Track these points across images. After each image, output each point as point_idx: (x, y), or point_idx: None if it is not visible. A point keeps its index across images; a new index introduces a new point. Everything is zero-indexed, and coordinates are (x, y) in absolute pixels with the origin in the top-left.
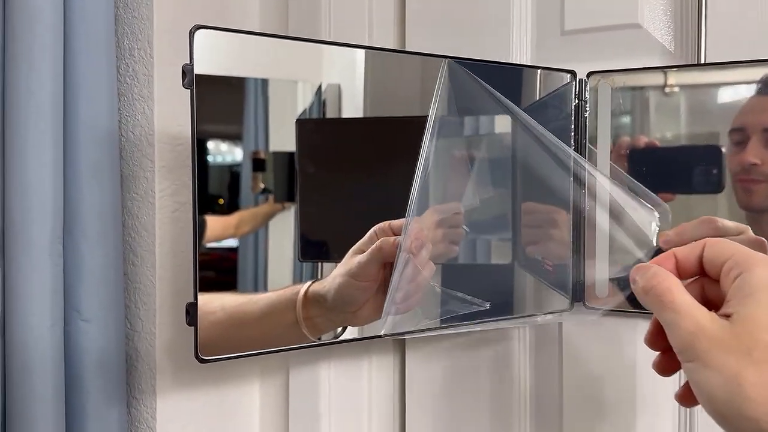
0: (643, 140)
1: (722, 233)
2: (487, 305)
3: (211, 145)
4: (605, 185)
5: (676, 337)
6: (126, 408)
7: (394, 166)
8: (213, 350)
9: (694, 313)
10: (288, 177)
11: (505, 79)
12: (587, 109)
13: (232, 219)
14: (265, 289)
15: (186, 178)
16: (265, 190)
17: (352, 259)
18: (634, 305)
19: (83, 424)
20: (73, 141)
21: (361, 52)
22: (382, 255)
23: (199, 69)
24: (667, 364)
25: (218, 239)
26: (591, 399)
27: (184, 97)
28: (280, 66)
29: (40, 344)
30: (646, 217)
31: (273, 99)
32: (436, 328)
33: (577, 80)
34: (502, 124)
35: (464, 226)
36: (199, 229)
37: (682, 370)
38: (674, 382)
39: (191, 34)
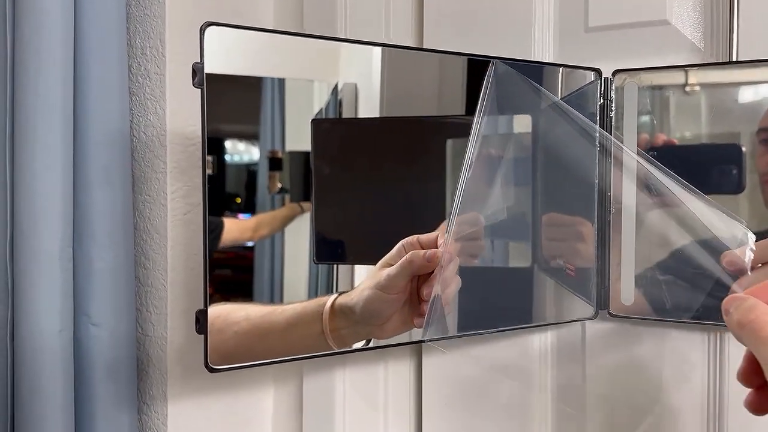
0: (661, 138)
1: None
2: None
3: (228, 144)
4: (679, 193)
5: None
6: (137, 414)
7: (412, 167)
8: (226, 359)
9: None
10: (304, 177)
11: (526, 77)
12: (612, 108)
13: (249, 222)
14: (281, 292)
15: (199, 179)
16: (282, 190)
17: (380, 272)
18: (661, 313)
19: (93, 430)
20: (83, 143)
21: (378, 51)
22: (412, 268)
23: (213, 68)
24: (764, 402)
25: (235, 242)
26: (615, 406)
27: (196, 96)
28: (296, 65)
29: (49, 349)
30: (730, 230)
31: (289, 98)
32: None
33: (602, 79)
34: (524, 123)
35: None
36: (216, 231)
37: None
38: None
39: (202, 31)
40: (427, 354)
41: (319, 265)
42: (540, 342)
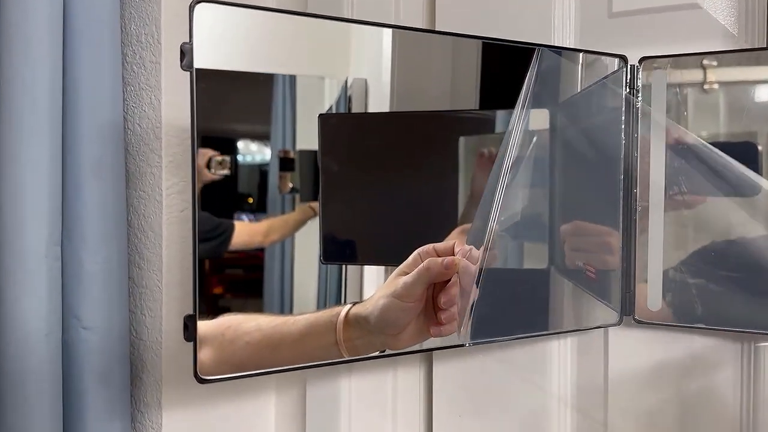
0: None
1: None
2: None
3: (239, 144)
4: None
5: None
6: (130, 422)
7: (423, 164)
8: (237, 369)
9: None
10: (315, 176)
11: (543, 65)
12: (639, 99)
13: (261, 226)
14: (291, 293)
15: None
16: (293, 190)
17: (396, 280)
18: (691, 320)
19: None
20: (73, 135)
21: (388, 45)
22: (429, 275)
23: (220, 64)
24: None
25: (245, 246)
26: (639, 419)
27: None
28: (306, 62)
29: (35, 353)
30: None
31: (300, 96)
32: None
33: (628, 67)
34: (541, 119)
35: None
36: (225, 234)
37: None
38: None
39: (191, 9)
40: (438, 361)
41: (329, 266)
42: (559, 348)
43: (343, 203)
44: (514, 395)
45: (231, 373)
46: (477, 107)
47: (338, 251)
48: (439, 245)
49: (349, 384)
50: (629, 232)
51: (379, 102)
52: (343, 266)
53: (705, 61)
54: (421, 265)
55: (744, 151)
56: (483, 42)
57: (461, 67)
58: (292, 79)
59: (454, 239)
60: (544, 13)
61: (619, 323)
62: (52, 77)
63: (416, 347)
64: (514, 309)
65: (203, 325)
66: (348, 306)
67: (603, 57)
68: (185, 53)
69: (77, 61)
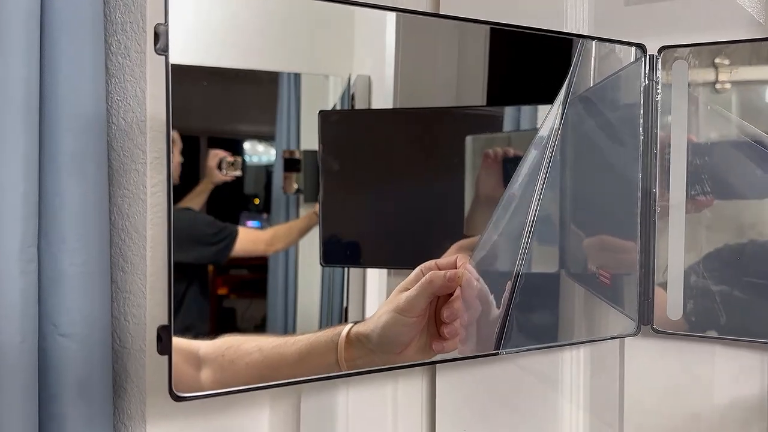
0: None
1: None
2: None
3: (247, 145)
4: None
5: None
6: None
7: (427, 163)
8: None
9: None
10: (318, 175)
11: (554, 56)
12: (659, 91)
13: (265, 234)
14: (295, 295)
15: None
16: (298, 191)
17: (399, 295)
18: (714, 330)
19: None
20: (50, 128)
21: (392, 41)
22: (432, 288)
23: (221, 62)
24: None
25: (248, 253)
26: None
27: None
28: (310, 59)
29: (7, 362)
30: None
31: (305, 95)
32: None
33: (647, 57)
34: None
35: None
36: (228, 239)
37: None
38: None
39: None
40: (441, 372)
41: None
42: (571, 359)
43: (344, 203)
44: (522, 410)
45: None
46: (484, 104)
47: (339, 253)
48: (441, 260)
49: (346, 396)
50: (647, 234)
51: (383, 99)
52: (345, 269)
53: (717, 60)
54: (424, 278)
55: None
56: (491, 34)
57: (468, 61)
58: (297, 77)
59: (453, 255)
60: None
61: (636, 333)
62: (28, 67)
63: (437, 358)
64: (542, 316)
65: (204, 345)
66: (349, 325)
67: (619, 47)
68: (159, 35)
69: (56, 50)
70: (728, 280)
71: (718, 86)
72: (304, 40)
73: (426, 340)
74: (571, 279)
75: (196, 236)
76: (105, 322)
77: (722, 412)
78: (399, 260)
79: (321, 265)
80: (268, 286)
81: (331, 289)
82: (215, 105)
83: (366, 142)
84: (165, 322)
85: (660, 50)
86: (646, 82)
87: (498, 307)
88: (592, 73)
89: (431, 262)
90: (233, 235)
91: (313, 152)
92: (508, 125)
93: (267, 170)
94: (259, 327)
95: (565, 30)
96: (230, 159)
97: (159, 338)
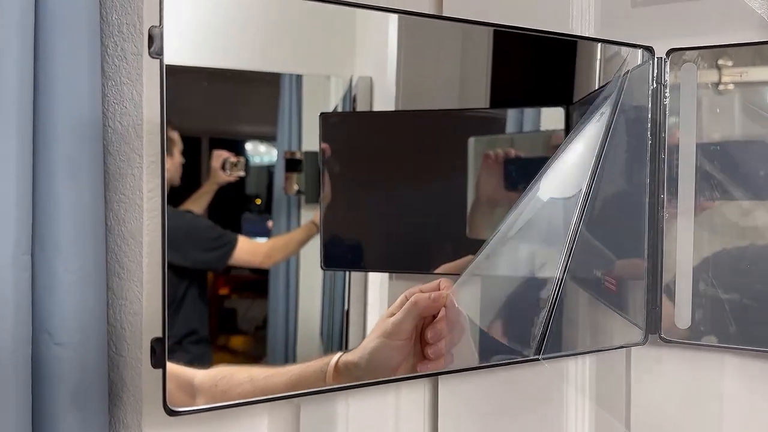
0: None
1: None
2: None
3: (248, 146)
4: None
5: None
6: None
7: (429, 166)
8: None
9: None
10: (319, 177)
11: (559, 58)
12: (667, 94)
13: (263, 247)
14: (296, 298)
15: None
16: (299, 192)
17: (385, 321)
18: (724, 339)
19: None
20: (45, 133)
21: (394, 42)
22: (417, 309)
23: (220, 62)
24: None
25: (245, 264)
26: None
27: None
28: (311, 60)
29: (0, 372)
30: None
31: (306, 96)
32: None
33: (655, 59)
34: (555, 118)
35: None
36: (227, 246)
37: None
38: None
39: None
40: (444, 382)
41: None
42: (576, 369)
43: (345, 206)
44: (526, 419)
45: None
46: (488, 106)
47: (339, 257)
48: (425, 285)
49: (346, 407)
50: (655, 242)
51: (385, 100)
52: (346, 273)
53: (720, 61)
54: (409, 300)
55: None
56: (494, 36)
57: (470, 61)
58: (299, 78)
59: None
60: (562, 1)
61: (644, 342)
62: (21, 69)
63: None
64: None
65: (200, 375)
66: (338, 355)
67: (624, 50)
68: (154, 38)
69: (51, 52)
70: (737, 289)
71: (721, 87)
72: (306, 41)
73: (413, 362)
74: (577, 285)
75: (194, 241)
76: (101, 330)
77: (732, 423)
78: (401, 263)
79: (321, 268)
80: (269, 289)
81: (332, 292)
82: (217, 106)
83: (367, 144)
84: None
85: (668, 53)
86: (654, 85)
87: (531, 314)
88: (598, 69)
89: (415, 288)
90: (232, 243)
91: (315, 153)
92: (511, 127)
93: (269, 171)
94: (260, 328)
95: (571, 31)
96: (234, 159)
97: (153, 351)
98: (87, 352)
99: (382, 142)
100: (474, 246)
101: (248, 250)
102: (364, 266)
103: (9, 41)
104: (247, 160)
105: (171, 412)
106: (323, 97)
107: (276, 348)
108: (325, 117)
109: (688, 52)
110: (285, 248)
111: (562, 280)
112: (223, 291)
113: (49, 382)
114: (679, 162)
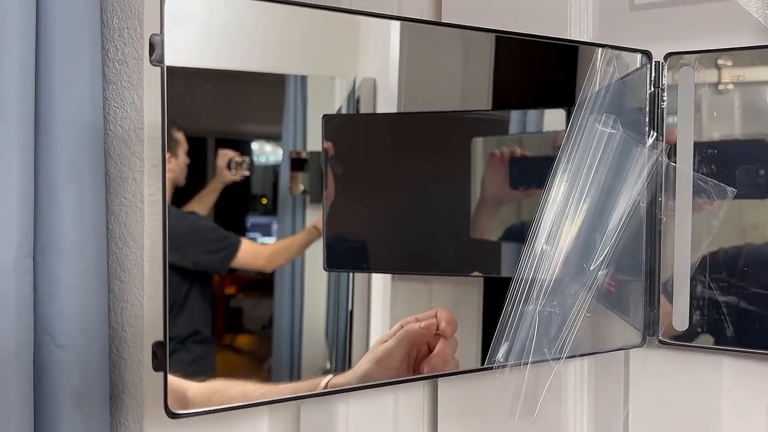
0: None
1: None
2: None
3: (254, 145)
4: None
5: None
6: None
7: (432, 167)
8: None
9: None
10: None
11: (559, 61)
12: (664, 98)
13: (265, 250)
14: (302, 294)
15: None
16: (304, 192)
17: (378, 347)
18: (721, 341)
19: None
20: (46, 137)
21: (396, 43)
22: (408, 337)
23: (224, 64)
24: None
25: (247, 266)
26: None
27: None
28: (315, 61)
29: (3, 376)
30: None
31: (311, 96)
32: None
33: (653, 63)
34: (556, 120)
35: None
36: (231, 249)
37: None
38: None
39: None
40: (443, 383)
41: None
42: (575, 371)
43: (348, 207)
44: (526, 422)
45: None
46: (489, 108)
47: (342, 258)
48: (421, 315)
49: (346, 408)
50: (653, 244)
51: (388, 102)
52: (350, 275)
53: (720, 61)
54: (402, 329)
55: (757, 151)
56: (496, 38)
57: (472, 64)
58: (303, 79)
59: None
60: (561, 4)
61: (642, 344)
62: (23, 75)
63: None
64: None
65: (193, 387)
66: (328, 377)
67: (622, 53)
68: (155, 46)
69: (52, 57)
70: (734, 291)
71: (720, 87)
72: (310, 43)
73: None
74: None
75: (197, 242)
76: (102, 333)
77: (729, 425)
78: (404, 264)
79: (324, 269)
80: (274, 289)
81: (336, 293)
82: (222, 107)
83: (369, 145)
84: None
85: (666, 57)
86: (652, 89)
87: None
88: (598, 74)
89: (411, 318)
90: (235, 246)
91: (319, 154)
92: (513, 128)
93: (274, 171)
94: (266, 327)
95: (569, 35)
96: (239, 159)
97: (154, 354)
98: (88, 354)
99: (385, 143)
100: (477, 246)
101: (251, 253)
102: (367, 267)
103: (11, 46)
104: (252, 160)
105: (172, 415)
106: (328, 98)
107: (281, 347)
108: (327, 119)
109: (685, 56)
110: (287, 251)
111: (592, 282)
112: (228, 291)
113: (50, 384)
114: (677, 164)
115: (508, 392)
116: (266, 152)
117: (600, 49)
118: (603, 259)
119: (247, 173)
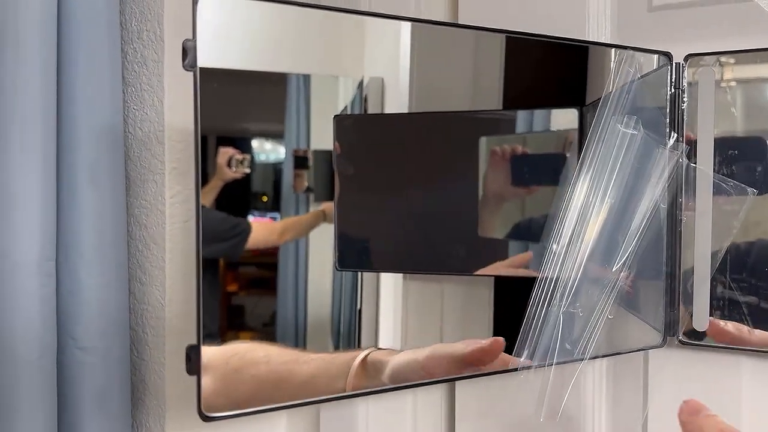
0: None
1: None
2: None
3: (254, 143)
4: None
5: None
6: None
7: (442, 167)
8: (236, 405)
9: None
10: (330, 177)
11: (573, 59)
12: (685, 100)
13: (277, 225)
14: (306, 297)
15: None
16: (308, 189)
17: (434, 347)
18: (741, 341)
19: None
20: (68, 140)
21: (407, 42)
22: (463, 361)
23: (230, 63)
24: None
25: (262, 245)
26: None
27: None
28: (320, 60)
29: (26, 379)
30: None
31: (315, 95)
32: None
33: (673, 64)
34: (568, 118)
35: None
36: (242, 234)
37: None
38: None
39: (194, 2)
40: (461, 385)
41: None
42: (593, 372)
43: (360, 207)
44: (543, 423)
45: (230, 407)
46: (500, 107)
47: (354, 258)
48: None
49: (366, 410)
50: (673, 244)
51: (397, 102)
52: (360, 273)
53: (722, 59)
54: (470, 350)
55: (753, 147)
56: (507, 38)
57: (483, 63)
58: (306, 78)
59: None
60: (579, 6)
61: (662, 345)
62: (45, 77)
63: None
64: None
65: (208, 351)
66: (369, 350)
67: (638, 55)
68: (188, 51)
69: (73, 60)
70: (756, 291)
71: (723, 85)
72: (315, 41)
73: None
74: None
75: (211, 233)
76: (123, 335)
77: (750, 425)
78: (415, 263)
79: (336, 269)
80: (278, 286)
81: (343, 292)
82: (224, 105)
83: (381, 146)
84: (184, 333)
85: (686, 58)
86: (672, 90)
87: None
88: (615, 75)
89: (476, 341)
90: (248, 230)
91: (324, 152)
92: (524, 128)
93: (275, 169)
94: (268, 324)
95: (587, 36)
96: (240, 157)
97: (188, 358)
98: (110, 356)
99: (396, 143)
100: (485, 245)
101: (263, 231)
102: (379, 267)
103: (32, 49)
104: (253, 158)
105: (206, 418)
106: (332, 98)
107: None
108: (339, 119)
109: (706, 57)
110: (296, 227)
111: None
112: (232, 288)
113: (73, 386)
114: (698, 165)
115: (529, 393)
116: (268, 150)
117: (620, 50)
118: (625, 261)
119: (248, 171)
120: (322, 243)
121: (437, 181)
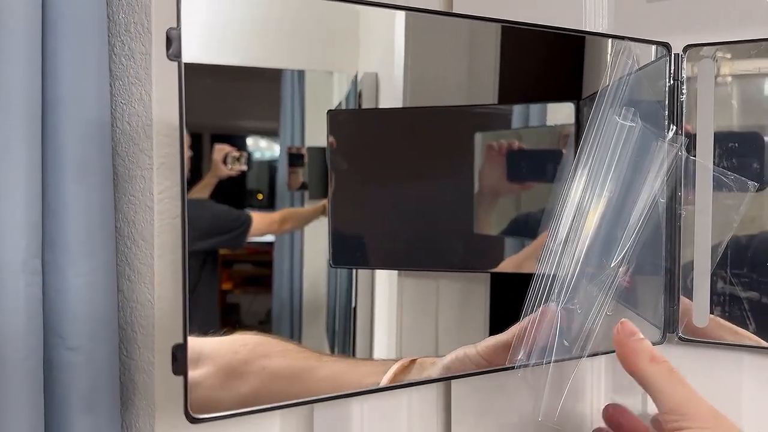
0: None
1: None
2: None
3: (249, 141)
4: None
5: None
6: None
7: (437, 162)
8: (241, 403)
9: None
10: (325, 173)
11: (570, 52)
12: (683, 91)
13: (276, 215)
14: (301, 292)
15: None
16: (303, 186)
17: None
18: (742, 337)
19: None
20: (53, 135)
21: (401, 35)
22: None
23: (225, 59)
24: None
25: (263, 234)
26: None
27: None
28: (314, 55)
29: (12, 379)
30: None
31: (309, 91)
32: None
33: (672, 55)
34: (565, 112)
35: None
36: (243, 227)
37: None
38: None
39: None
40: (456, 385)
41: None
42: (592, 369)
43: (354, 203)
44: (544, 422)
45: (231, 401)
46: (496, 102)
47: (349, 254)
48: None
49: (360, 410)
50: (673, 240)
51: (392, 97)
52: (354, 271)
53: (719, 53)
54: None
55: (749, 142)
56: (504, 31)
57: (478, 56)
58: (301, 74)
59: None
60: None
61: (662, 341)
62: (29, 71)
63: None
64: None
65: (209, 342)
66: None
67: (636, 46)
68: (172, 40)
69: (58, 53)
70: (757, 287)
71: (719, 80)
72: (308, 36)
73: None
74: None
75: (212, 226)
76: (112, 334)
77: (751, 421)
78: (410, 260)
79: (330, 266)
80: (273, 283)
81: (338, 289)
82: (218, 102)
83: (376, 141)
84: (173, 332)
85: (685, 49)
86: (671, 81)
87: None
88: (611, 66)
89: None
90: (249, 221)
91: (318, 149)
92: (520, 123)
93: (270, 166)
94: (264, 322)
95: (585, 27)
96: (235, 154)
97: (174, 357)
98: (98, 356)
99: (391, 139)
100: (481, 241)
101: (263, 221)
102: (374, 264)
103: (16, 42)
104: (249, 155)
105: (193, 420)
106: (326, 94)
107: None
108: (332, 114)
109: (705, 48)
110: (295, 216)
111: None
112: (226, 286)
113: (60, 386)
114: (697, 158)
115: (527, 392)
116: (263, 147)
117: (618, 41)
118: (624, 256)
119: (243, 168)
120: (317, 240)
121: (432, 177)
